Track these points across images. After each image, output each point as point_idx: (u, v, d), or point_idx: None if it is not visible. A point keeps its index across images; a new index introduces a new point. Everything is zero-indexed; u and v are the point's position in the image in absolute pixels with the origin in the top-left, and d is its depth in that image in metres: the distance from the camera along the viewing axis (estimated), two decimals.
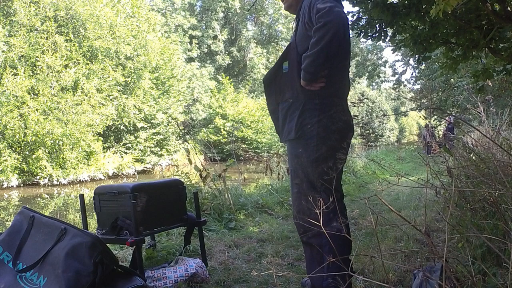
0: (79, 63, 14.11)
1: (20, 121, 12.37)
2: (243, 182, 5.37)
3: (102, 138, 15.29)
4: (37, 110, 12.66)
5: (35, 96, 13.12)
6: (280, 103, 1.89)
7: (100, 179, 14.05)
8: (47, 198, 10.68)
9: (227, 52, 30.91)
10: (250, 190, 5.82)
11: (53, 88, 13.22)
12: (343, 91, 1.91)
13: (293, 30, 1.95)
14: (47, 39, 13.59)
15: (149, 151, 17.21)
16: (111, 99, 14.86)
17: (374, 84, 40.21)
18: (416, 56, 3.94)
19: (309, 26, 1.74)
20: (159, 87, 18.26)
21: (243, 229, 3.59)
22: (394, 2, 3.33)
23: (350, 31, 3.90)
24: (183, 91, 20.19)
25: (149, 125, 17.21)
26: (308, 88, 1.78)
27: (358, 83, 37.25)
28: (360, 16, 3.72)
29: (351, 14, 3.80)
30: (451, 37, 3.52)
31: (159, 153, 17.87)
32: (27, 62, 13.27)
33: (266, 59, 32.12)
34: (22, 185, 12.68)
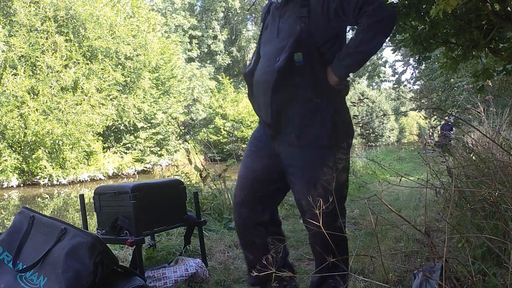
0: (79, 63, 14.11)
1: (20, 121, 12.37)
2: None
3: (102, 138, 15.29)
4: (37, 110, 12.66)
5: (35, 96, 13.12)
6: (296, 102, 1.58)
7: (100, 179, 14.04)
8: (47, 198, 10.68)
9: (227, 52, 30.90)
10: None
11: (53, 88, 13.22)
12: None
13: (296, 17, 1.58)
14: (47, 39, 13.58)
15: (149, 151, 17.21)
16: (111, 99, 14.86)
17: (374, 84, 40.20)
18: (416, 56, 3.93)
19: (336, 15, 1.52)
20: (159, 87, 18.26)
21: None
22: (394, 2, 3.33)
23: (350, 31, 3.90)
24: (183, 92, 20.20)
25: (149, 125, 17.21)
26: (336, 87, 1.57)
27: (358, 83, 37.21)
28: None
29: None
30: (451, 37, 3.52)
31: (159, 153, 17.87)
32: (27, 62, 13.27)
33: None
34: (22, 185, 12.68)
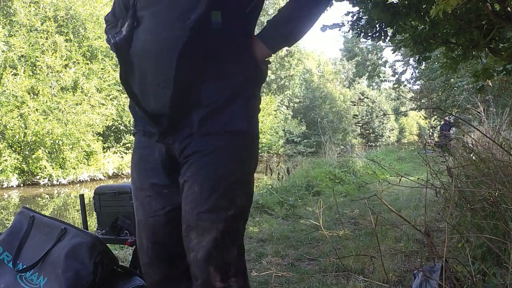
0: (78, 63, 14.12)
1: (20, 121, 12.37)
2: None
3: (102, 138, 15.30)
4: (37, 110, 12.66)
5: (35, 96, 13.12)
6: (212, 77, 1.13)
7: (100, 179, 14.05)
8: (47, 198, 10.68)
9: None
10: None
11: (53, 88, 13.22)
12: None
13: None
14: (47, 39, 13.59)
15: None
16: (111, 99, 14.88)
17: (374, 84, 40.21)
18: (416, 56, 3.94)
19: None
20: None
21: None
22: (394, 2, 3.33)
23: (350, 31, 3.91)
24: None
25: None
26: (262, 64, 1.20)
27: (358, 83, 37.25)
28: (360, 16, 3.72)
29: (351, 14, 3.80)
30: (451, 37, 3.52)
31: None
32: (27, 62, 13.27)
33: None
34: (22, 185, 12.68)
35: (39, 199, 10.54)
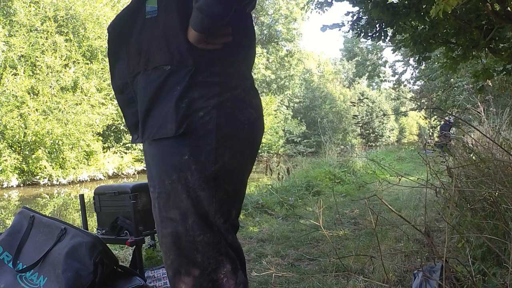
0: (78, 63, 14.12)
1: (20, 121, 12.38)
2: None
3: (102, 138, 15.30)
4: (37, 110, 12.67)
5: (35, 96, 13.13)
6: (142, 72, 1.07)
7: (100, 179, 14.05)
8: (47, 198, 10.68)
9: None
10: (250, 190, 5.82)
11: (53, 88, 13.23)
12: (252, 56, 1.17)
13: None
14: (47, 39, 13.59)
15: None
16: (110, 99, 14.88)
17: (374, 84, 40.24)
18: (416, 56, 3.94)
19: None
20: None
21: (243, 229, 3.59)
22: (394, 2, 3.33)
23: (350, 31, 3.91)
24: None
25: None
26: (203, 47, 1.02)
27: (358, 83, 37.29)
28: (360, 16, 3.73)
29: (351, 14, 3.80)
30: (451, 37, 3.53)
31: None
32: (27, 62, 13.28)
33: (266, 59, 32.14)
34: (22, 185, 12.69)
35: (39, 199, 10.54)
